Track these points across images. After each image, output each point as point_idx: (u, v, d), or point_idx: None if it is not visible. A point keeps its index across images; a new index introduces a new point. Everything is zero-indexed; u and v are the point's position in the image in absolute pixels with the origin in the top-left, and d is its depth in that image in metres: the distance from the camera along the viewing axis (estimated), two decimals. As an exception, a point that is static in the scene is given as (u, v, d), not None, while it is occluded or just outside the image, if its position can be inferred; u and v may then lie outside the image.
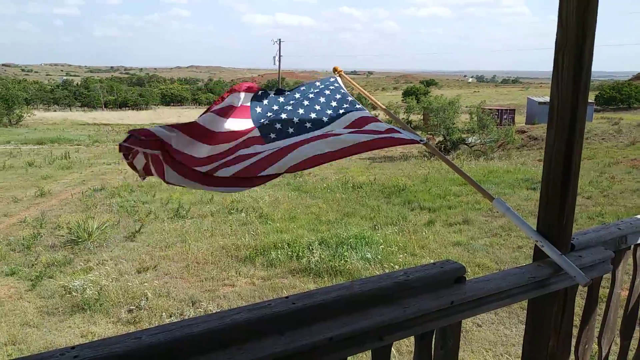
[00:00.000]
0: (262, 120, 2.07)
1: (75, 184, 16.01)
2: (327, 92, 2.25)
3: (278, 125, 2.04)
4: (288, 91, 2.27)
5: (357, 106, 2.21)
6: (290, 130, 2.03)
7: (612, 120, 28.71)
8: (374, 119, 2.08)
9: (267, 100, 2.16)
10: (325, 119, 2.11)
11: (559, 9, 1.65)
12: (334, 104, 2.20)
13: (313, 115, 2.12)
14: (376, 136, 1.86)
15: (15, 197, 13.82)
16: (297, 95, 2.22)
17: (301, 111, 2.12)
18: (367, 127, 2.01)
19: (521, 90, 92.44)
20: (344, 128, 2.05)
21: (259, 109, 2.11)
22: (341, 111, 2.16)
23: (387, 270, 7.67)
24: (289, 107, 2.13)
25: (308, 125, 2.07)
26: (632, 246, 2.13)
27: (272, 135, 2.01)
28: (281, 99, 2.19)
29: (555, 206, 1.72)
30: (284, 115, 2.08)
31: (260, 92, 2.16)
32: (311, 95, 2.21)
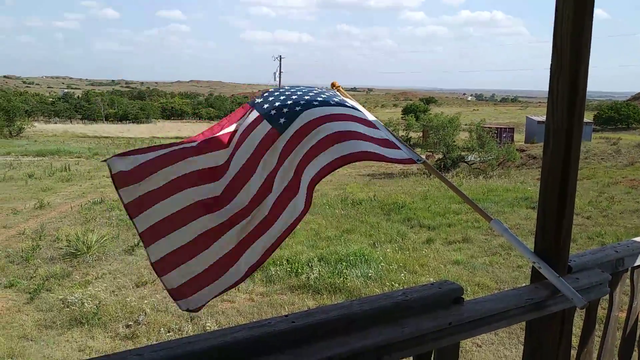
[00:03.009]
0: (271, 113, 2.07)
1: (75, 197, 16.02)
2: (329, 93, 2.30)
3: (285, 110, 2.04)
4: (290, 87, 2.29)
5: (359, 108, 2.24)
6: (297, 108, 2.03)
7: (611, 140, 28.79)
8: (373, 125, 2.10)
9: (272, 97, 2.18)
10: (332, 101, 2.13)
11: (554, 34, 1.66)
12: (336, 99, 2.22)
13: (319, 98, 2.13)
14: (380, 150, 1.90)
15: (14, 208, 13.82)
16: (300, 93, 2.24)
17: (307, 97, 2.14)
18: (370, 131, 2.03)
19: (520, 109, 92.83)
20: (352, 121, 2.04)
21: (265, 105, 2.13)
22: (348, 104, 2.19)
23: (386, 289, 7.65)
24: (295, 96, 2.14)
25: (315, 103, 2.08)
26: (630, 268, 2.14)
27: (282, 120, 2.00)
28: (287, 92, 2.21)
29: (551, 229, 1.74)
30: (289, 101, 2.09)
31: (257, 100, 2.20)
32: (312, 94, 2.23)
